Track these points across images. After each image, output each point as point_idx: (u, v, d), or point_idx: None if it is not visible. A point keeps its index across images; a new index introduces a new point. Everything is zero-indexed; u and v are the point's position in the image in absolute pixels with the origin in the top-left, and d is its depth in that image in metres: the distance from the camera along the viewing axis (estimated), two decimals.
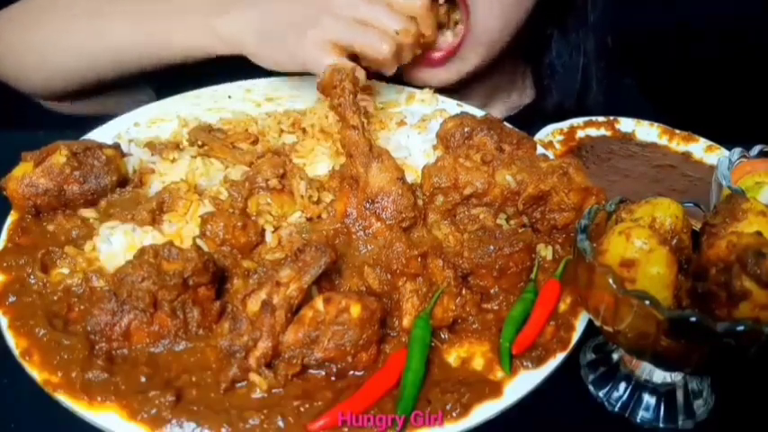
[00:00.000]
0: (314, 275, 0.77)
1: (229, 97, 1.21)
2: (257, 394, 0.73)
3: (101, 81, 1.28)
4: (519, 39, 1.33)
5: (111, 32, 1.23)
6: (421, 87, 1.26)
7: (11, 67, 1.32)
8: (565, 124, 1.28)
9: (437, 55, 1.24)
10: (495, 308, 0.86)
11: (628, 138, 1.29)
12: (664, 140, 1.29)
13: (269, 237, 0.90)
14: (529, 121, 1.45)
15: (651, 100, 1.61)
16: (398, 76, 1.29)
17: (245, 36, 1.12)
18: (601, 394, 0.81)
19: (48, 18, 1.27)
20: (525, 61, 1.53)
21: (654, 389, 0.79)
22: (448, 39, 1.24)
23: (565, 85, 1.44)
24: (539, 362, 0.79)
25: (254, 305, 0.75)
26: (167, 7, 1.21)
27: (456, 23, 1.24)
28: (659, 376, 0.79)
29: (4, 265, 0.86)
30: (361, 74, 1.03)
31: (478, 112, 1.14)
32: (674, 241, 0.76)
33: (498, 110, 1.52)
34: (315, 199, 0.94)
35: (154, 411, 0.70)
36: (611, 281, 0.68)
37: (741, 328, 0.64)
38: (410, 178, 0.97)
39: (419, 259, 0.83)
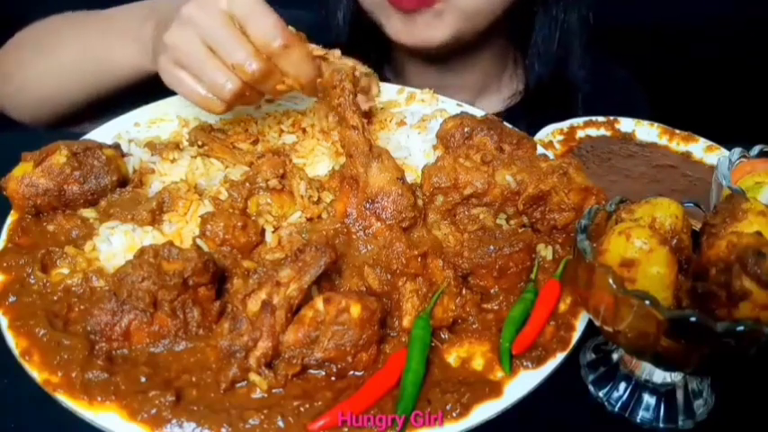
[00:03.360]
0: (314, 275, 0.77)
1: None
2: (257, 394, 0.73)
3: (82, 105, 1.30)
4: (507, 21, 1.34)
5: (63, 60, 1.27)
6: (414, 84, 1.26)
7: (6, 101, 1.37)
8: (565, 124, 1.28)
9: None
10: (495, 308, 0.86)
11: (628, 138, 1.29)
12: (664, 140, 1.29)
13: (269, 237, 0.90)
14: (521, 109, 1.45)
15: (650, 99, 1.62)
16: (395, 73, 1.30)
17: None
18: (601, 394, 0.81)
19: (21, 53, 1.33)
20: (515, 48, 1.53)
21: (654, 389, 0.79)
22: None
23: (546, 59, 1.45)
24: (539, 362, 0.79)
25: (254, 305, 0.75)
26: (107, 27, 1.23)
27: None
28: (659, 376, 0.79)
29: (4, 265, 0.86)
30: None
31: (478, 112, 1.14)
32: (674, 241, 0.76)
33: (491, 101, 1.52)
34: (315, 199, 0.94)
35: (154, 411, 0.70)
36: (611, 281, 0.68)
37: (741, 328, 0.64)
38: (410, 178, 0.97)
39: (419, 259, 0.83)
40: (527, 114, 1.44)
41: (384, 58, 1.52)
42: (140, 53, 1.15)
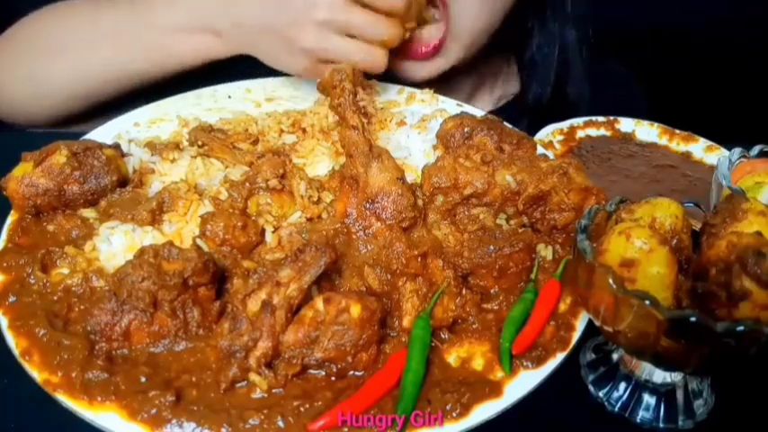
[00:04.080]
0: (314, 275, 0.77)
1: (229, 97, 1.21)
2: (257, 394, 0.73)
3: (105, 101, 1.28)
4: (501, 32, 1.34)
5: (108, 55, 1.24)
6: (412, 84, 1.27)
7: (5, 100, 1.32)
8: (565, 124, 1.28)
9: (424, 50, 1.24)
10: (495, 308, 0.86)
11: (628, 138, 1.29)
12: (664, 140, 1.29)
13: (269, 237, 0.90)
14: (516, 113, 1.45)
15: (650, 98, 1.62)
16: (387, 72, 1.30)
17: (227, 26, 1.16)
18: (601, 394, 0.81)
19: (40, 47, 1.28)
20: (509, 52, 1.53)
21: (654, 389, 0.79)
22: (432, 33, 1.24)
23: (544, 77, 1.45)
24: (539, 362, 0.79)
25: (254, 305, 0.75)
26: (158, 18, 1.22)
27: (431, 19, 1.23)
28: (659, 376, 0.79)
29: (4, 265, 0.86)
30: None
31: (478, 112, 1.14)
32: (674, 241, 0.76)
33: (484, 101, 1.52)
34: (315, 199, 0.94)
35: (154, 411, 0.70)
36: (611, 281, 0.68)
37: (741, 328, 0.64)
38: (410, 178, 0.97)
39: (419, 259, 0.83)
40: (523, 116, 1.44)
41: None
42: (215, 43, 1.18)
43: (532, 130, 1.24)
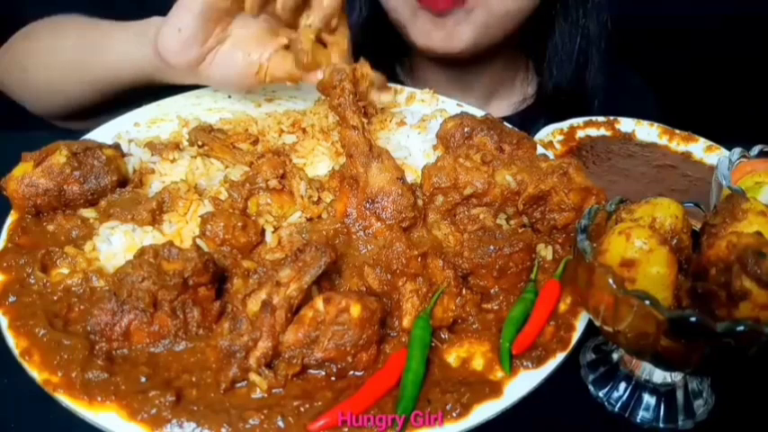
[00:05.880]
0: (314, 275, 0.77)
1: (229, 97, 1.21)
2: (257, 394, 0.73)
3: (92, 101, 1.28)
4: (525, 24, 1.34)
5: (66, 53, 1.25)
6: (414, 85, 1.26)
7: (20, 94, 1.36)
8: (565, 124, 1.28)
9: None
10: (495, 308, 0.86)
11: (628, 138, 1.30)
12: (664, 140, 1.29)
13: (269, 237, 0.90)
14: (533, 114, 1.45)
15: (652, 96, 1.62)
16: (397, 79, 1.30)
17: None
18: (601, 394, 0.81)
19: (27, 50, 1.32)
20: (526, 54, 1.53)
21: (654, 389, 0.79)
22: None
23: (565, 65, 1.45)
24: (539, 362, 0.79)
25: (254, 305, 0.75)
26: (112, 23, 1.22)
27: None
28: (659, 376, 0.79)
29: (4, 265, 0.86)
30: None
31: (478, 112, 1.14)
32: (674, 241, 0.76)
33: (502, 105, 1.52)
34: (315, 199, 0.94)
35: (154, 411, 0.70)
36: (611, 281, 0.68)
37: (741, 328, 0.64)
38: (410, 178, 0.97)
39: (419, 259, 0.83)
40: (539, 119, 1.44)
41: (396, 58, 1.53)
42: (139, 45, 1.13)
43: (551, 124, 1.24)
